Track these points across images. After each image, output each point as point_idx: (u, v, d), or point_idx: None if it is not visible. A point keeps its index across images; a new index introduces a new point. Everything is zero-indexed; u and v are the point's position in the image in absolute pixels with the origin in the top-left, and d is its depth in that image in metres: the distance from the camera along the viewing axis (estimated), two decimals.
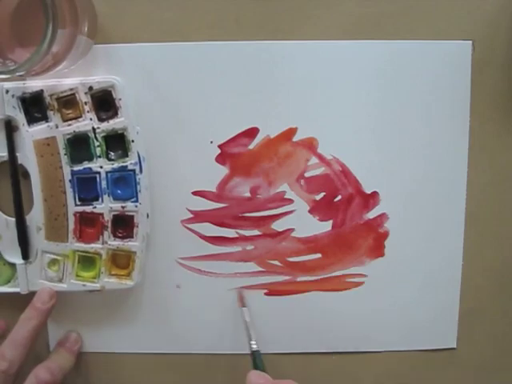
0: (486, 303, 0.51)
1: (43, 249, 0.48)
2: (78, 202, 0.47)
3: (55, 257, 0.48)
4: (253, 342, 0.46)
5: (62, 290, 0.48)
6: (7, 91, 0.45)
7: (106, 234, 0.47)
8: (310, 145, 0.48)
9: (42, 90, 0.45)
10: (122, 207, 0.47)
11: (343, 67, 0.47)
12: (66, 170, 0.46)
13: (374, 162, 0.49)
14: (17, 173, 0.47)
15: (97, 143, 0.46)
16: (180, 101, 0.47)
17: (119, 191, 0.47)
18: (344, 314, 0.51)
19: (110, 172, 0.46)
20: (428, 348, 0.52)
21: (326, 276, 0.50)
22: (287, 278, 0.50)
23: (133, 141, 0.46)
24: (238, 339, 0.51)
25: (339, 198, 0.49)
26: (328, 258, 0.50)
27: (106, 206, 0.47)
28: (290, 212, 0.49)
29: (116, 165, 0.46)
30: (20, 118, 0.45)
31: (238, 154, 0.48)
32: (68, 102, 0.45)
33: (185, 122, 0.48)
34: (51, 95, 0.45)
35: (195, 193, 0.49)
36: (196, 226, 0.49)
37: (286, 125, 0.48)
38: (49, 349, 0.51)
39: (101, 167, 0.46)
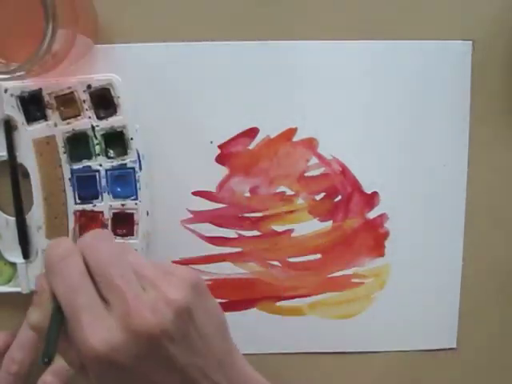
0: (485, 303, 0.51)
1: (44, 248, 0.47)
2: (78, 201, 0.47)
3: None
4: None
5: None
6: (6, 90, 0.45)
7: None
8: (309, 145, 0.48)
9: (40, 89, 0.45)
10: (122, 205, 0.47)
11: (343, 67, 0.47)
12: (66, 169, 0.46)
13: (373, 162, 0.49)
14: (16, 172, 0.47)
15: (96, 141, 0.46)
16: (180, 101, 0.47)
17: (119, 189, 0.47)
18: (344, 314, 0.51)
19: (109, 170, 0.46)
20: (428, 348, 0.52)
21: (325, 276, 0.50)
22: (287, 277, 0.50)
23: (132, 138, 0.46)
24: (238, 339, 0.51)
25: (339, 198, 0.49)
26: (328, 258, 0.50)
27: (106, 204, 0.47)
28: (290, 212, 0.49)
29: (115, 163, 0.46)
30: (19, 116, 0.45)
31: (237, 154, 0.48)
32: (67, 101, 0.45)
33: (185, 123, 0.48)
34: (50, 94, 0.45)
35: (195, 193, 0.49)
36: (196, 226, 0.49)
37: (286, 125, 0.48)
38: None
39: (100, 165, 0.46)
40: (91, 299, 0.33)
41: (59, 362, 0.48)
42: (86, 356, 0.32)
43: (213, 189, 0.49)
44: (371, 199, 0.49)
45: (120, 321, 0.32)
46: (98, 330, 0.32)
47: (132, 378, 0.34)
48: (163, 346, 0.33)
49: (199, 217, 0.49)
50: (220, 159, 0.48)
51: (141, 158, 0.46)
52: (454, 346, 0.52)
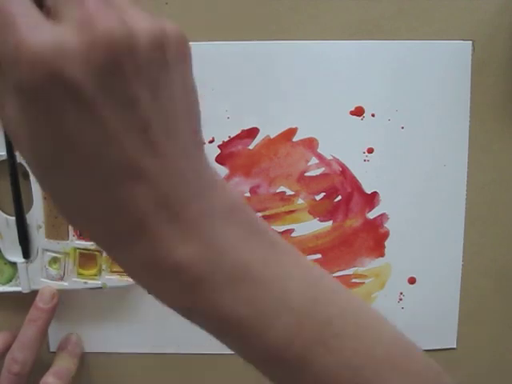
0: (486, 303, 0.51)
1: (44, 247, 0.48)
2: None
3: (56, 255, 0.48)
4: None
5: (64, 288, 0.48)
6: None
7: None
8: (310, 145, 0.48)
9: None
10: None
11: (343, 67, 0.47)
12: None
13: (374, 162, 0.49)
14: (16, 172, 0.47)
15: None
16: None
17: None
18: None
19: None
20: (428, 348, 0.52)
21: None
22: None
23: None
24: None
25: (339, 198, 0.49)
26: (328, 259, 0.50)
27: None
28: (290, 212, 0.49)
29: None
30: None
31: (238, 154, 0.48)
32: None
33: None
34: None
35: None
36: None
37: (285, 125, 0.48)
38: (49, 348, 0.51)
39: None
40: (29, 8, 0.23)
41: (62, 364, 0.48)
42: (20, 64, 0.22)
43: None
44: (371, 199, 0.49)
45: (76, 25, 0.22)
46: (43, 31, 0.22)
47: (71, 117, 0.23)
48: (125, 72, 0.23)
49: None
50: (220, 159, 0.48)
51: None
52: (454, 346, 0.52)
